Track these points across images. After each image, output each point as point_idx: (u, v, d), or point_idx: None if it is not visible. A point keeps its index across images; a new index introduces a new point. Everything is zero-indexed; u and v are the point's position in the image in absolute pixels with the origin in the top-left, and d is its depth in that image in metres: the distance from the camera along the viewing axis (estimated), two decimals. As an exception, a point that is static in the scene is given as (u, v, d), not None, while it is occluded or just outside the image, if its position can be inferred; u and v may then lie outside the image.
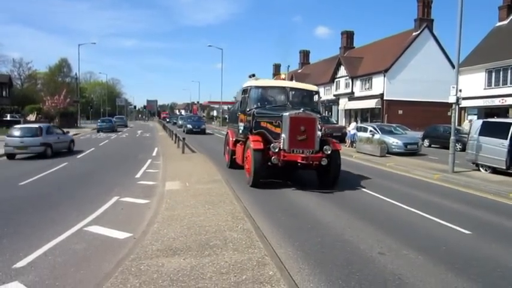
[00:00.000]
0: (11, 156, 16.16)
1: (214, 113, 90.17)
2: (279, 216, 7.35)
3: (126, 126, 52.94)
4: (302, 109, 9.94)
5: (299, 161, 9.33)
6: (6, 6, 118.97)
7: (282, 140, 9.56)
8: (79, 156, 17.31)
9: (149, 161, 15.57)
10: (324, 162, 9.48)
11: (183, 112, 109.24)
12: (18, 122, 33.12)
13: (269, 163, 9.64)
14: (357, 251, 5.58)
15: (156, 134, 36.05)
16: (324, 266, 4.91)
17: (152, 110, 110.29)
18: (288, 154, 9.44)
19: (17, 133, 16.22)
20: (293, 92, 11.54)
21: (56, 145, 17.45)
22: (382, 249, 5.63)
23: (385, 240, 6.05)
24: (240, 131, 11.75)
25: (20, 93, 63.88)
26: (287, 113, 9.67)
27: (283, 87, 11.53)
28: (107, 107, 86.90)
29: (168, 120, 71.49)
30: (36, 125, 17.83)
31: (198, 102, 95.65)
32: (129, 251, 5.18)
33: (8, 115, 39.13)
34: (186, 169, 12.45)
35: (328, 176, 10.06)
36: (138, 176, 12.03)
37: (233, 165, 12.55)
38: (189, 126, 34.46)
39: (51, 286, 4.37)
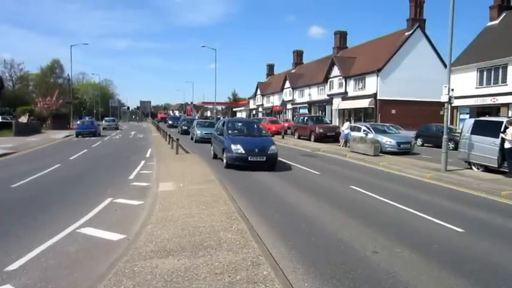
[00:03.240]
0: (104, 129, 40.78)
1: (208, 113, 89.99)
2: (273, 216, 7.35)
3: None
4: None
5: None
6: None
7: None
8: (72, 157, 17.19)
9: (143, 162, 15.50)
10: None
11: (176, 113, 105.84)
12: (9, 124, 32.78)
13: None
14: (350, 250, 5.60)
15: (149, 135, 35.86)
16: (318, 265, 4.93)
17: (146, 111, 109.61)
18: None
19: (107, 120, 49.54)
20: None
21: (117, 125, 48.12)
22: (375, 248, 5.66)
23: (378, 239, 6.08)
24: None
25: (12, 94, 63.33)
26: None
27: None
28: (100, 108, 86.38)
29: (170, 123, 50.21)
30: (113, 117, 55.95)
31: (191, 102, 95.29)
32: (123, 252, 5.16)
33: (0, 117, 38.68)
34: (179, 170, 12.41)
35: None
36: (131, 177, 11.97)
37: None
38: (238, 148, 13.16)
39: (43, 289, 4.32)
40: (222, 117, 40.81)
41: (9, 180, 11.05)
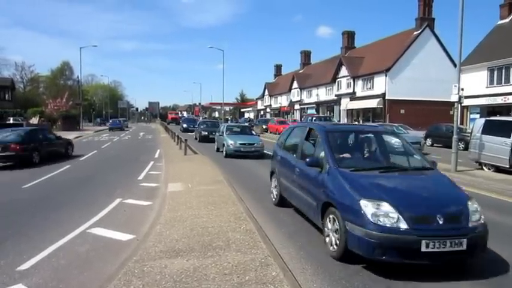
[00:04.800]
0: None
1: (216, 114, 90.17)
2: (282, 216, 7.34)
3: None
4: None
5: None
6: (7, 10, 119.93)
7: None
8: (81, 158, 17.35)
9: (151, 162, 15.59)
10: None
11: (185, 114, 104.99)
12: (20, 125, 33.28)
13: None
14: (360, 250, 5.54)
15: (158, 136, 36.05)
16: (327, 266, 4.90)
17: (154, 112, 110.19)
18: None
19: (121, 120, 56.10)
20: None
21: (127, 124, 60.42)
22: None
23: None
24: None
25: (23, 96, 64.21)
26: None
27: None
28: (109, 110, 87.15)
29: (185, 126, 39.75)
30: (124, 118, 70.90)
31: (199, 103, 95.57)
32: (132, 252, 5.19)
33: (11, 118, 39.14)
34: (188, 170, 12.46)
35: None
36: (140, 177, 12.05)
37: None
38: (388, 211, 4.47)
39: (54, 288, 4.37)
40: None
41: (20, 181, 11.20)
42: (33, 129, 18.31)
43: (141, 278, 4.23)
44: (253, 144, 15.92)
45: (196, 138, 27.06)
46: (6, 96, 51.68)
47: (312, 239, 5.99)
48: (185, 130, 37.92)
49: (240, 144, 16.56)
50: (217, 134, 20.25)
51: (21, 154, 14.40)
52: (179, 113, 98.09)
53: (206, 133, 25.36)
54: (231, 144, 16.64)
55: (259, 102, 78.11)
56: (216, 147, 19.63)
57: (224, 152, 17.12)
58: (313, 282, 4.44)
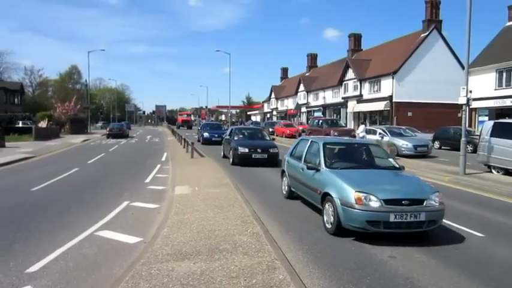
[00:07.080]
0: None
1: (223, 117, 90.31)
2: (288, 219, 7.33)
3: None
4: None
5: None
6: (16, 14, 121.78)
7: None
8: (89, 161, 17.49)
9: (158, 165, 15.66)
10: None
11: (192, 117, 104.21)
12: (29, 129, 33.59)
13: None
14: (367, 254, 5.53)
15: (165, 139, 36.21)
16: (335, 270, 4.88)
17: (161, 115, 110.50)
18: None
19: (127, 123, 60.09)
20: None
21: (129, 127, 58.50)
22: (392, 252, 5.58)
23: (395, 244, 5.98)
24: None
25: (32, 100, 64.94)
26: None
27: None
28: (116, 113, 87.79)
29: (206, 135, 25.84)
30: (127, 122, 66.16)
31: (206, 106, 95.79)
32: (140, 255, 5.21)
33: (20, 122, 39.59)
34: (195, 173, 12.49)
35: None
36: (147, 180, 12.11)
37: None
38: None
39: (63, 290, 4.40)
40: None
41: (29, 184, 11.30)
42: (125, 123, 49.54)
43: (149, 281, 4.25)
44: (422, 202, 6.07)
45: (225, 156, 17.34)
46: (16, 100, 52.36)
47: (319, 243, 5.97)
48: (206, 141, 25.30)
49: (390, 201, 5.91)
50: (290, 160, 9.20)
51: (123, 133, 37.03)
52: (192, 114, 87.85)
53: (247, 150, 15.18)
54: (365, 199, 5.93)
55: (265, 105, 78.15)
56: (286, 188, 9.36)
57: (334, 220, 6.28)
58: (320, 286, 4.42)
